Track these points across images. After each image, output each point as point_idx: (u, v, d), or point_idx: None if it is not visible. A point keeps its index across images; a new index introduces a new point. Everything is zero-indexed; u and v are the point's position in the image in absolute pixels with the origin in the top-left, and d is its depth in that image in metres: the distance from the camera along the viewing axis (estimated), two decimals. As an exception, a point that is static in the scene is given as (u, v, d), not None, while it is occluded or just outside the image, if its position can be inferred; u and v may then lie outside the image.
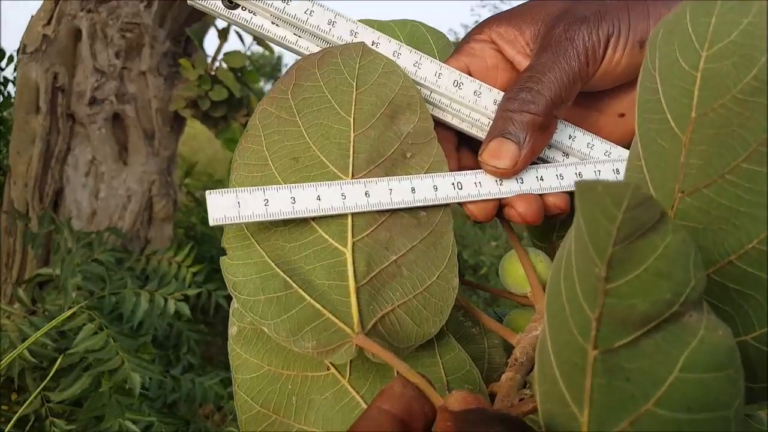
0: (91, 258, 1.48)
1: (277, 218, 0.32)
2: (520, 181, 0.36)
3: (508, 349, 0.35)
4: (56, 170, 1.71)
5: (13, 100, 1.95)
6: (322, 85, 0.34)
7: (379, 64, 0.35)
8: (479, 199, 0.36)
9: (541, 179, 0.37)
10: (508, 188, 0.36)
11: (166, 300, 1.46)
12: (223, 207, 0.31)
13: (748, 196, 0.24)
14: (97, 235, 1.57)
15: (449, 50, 0.42)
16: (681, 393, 0.19)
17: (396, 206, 0.33)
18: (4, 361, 1.22)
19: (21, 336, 1.27)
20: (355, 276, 0.32)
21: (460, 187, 0.35)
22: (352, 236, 0.32)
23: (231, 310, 0.33)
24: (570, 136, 0.39)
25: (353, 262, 0.32)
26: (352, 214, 0.33)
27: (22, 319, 1.32)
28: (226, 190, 0.32)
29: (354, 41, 0.35)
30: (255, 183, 0.33)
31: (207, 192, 0.31)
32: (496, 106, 0.37)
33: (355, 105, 0.34)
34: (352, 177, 0.33)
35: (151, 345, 1.48)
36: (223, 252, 0.33)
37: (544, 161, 0.39)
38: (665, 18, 0.27)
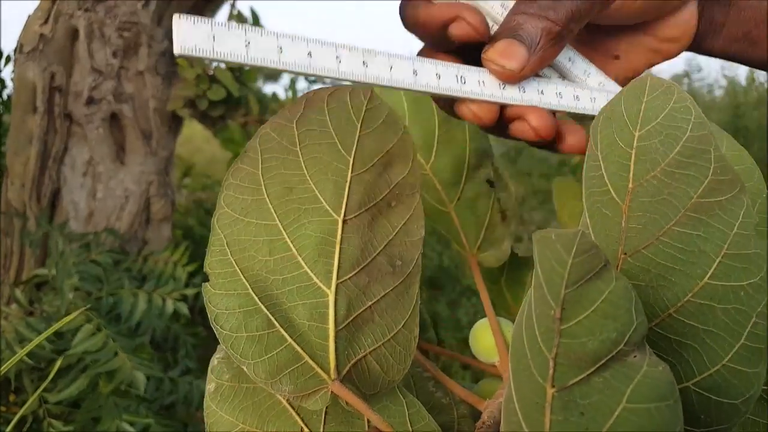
0: (88, 259, 1.47)
1: (259, 64, 0.30)
2: (522, 90, 0.36)
3: (477, 417, 0.37)
4: (53, 170, 1.71)
5: (4, 99, 1.95)
6: (328, 120, 0.34)
7: (383, 112, 0.35)
8: (482, 98, 0.35)
9: (542, 93, 0.37)
10: (510, 95, 0.36)
11: (164, 300, 1.46)
12: (195, 36, 0.29)
13: (681, 255, 0.28)
14: (94, 236, 1.57)
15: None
16: (628, 423, 0.22)
17: (395, 84, 0.33)
18: (4, 366, 1.21)
19: (18, 338, 1.27)
20: (335, 319, 0.32)
21: (463, 81, 0.35)
22: (337, 278, 0.32)
23: (210, 367, 0.33)
24: (570, 59, 0.38)
25: (335, 305, 0.32)
26: (340, 255, 0.33)
27: (19, 321, 1.32)
28: (199, 18, 0.29)
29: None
30: (245, 206, 0.33)
31: (175, 15, 0.28)
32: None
33: (356, 146, 0.34)
34: (344, 217, 0.33)
35: (148, 346, 1.48)
36: (206, 276, 0.32)
37: (540, 77, 0.38)
38: (603, 107, 0.31)
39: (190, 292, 1.51)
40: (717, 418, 0.27)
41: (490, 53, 0.35)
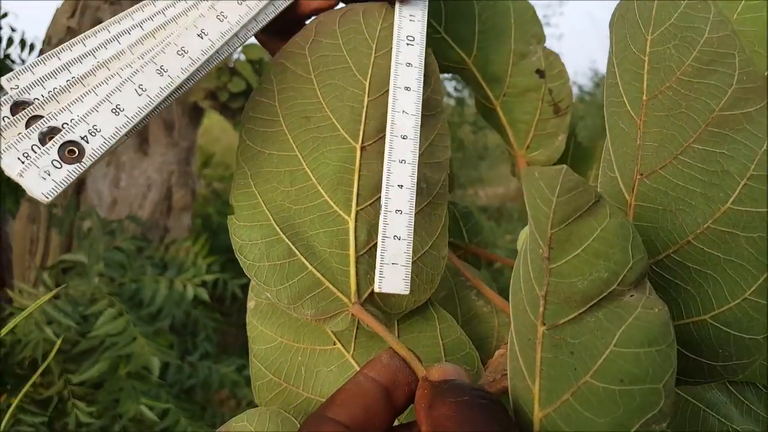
0: (112, 245, 1.52)
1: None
2: None
3: None
4: (79, 160, 1.75)
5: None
6: (341, 44, 0.33)
7: None
8: None
9: None
10: None
11: (185, 286, 1.50)
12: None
13: (701, 176, 0.25)
14: (118, 223, 1.62)
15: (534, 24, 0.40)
16: (615, 366, 0.21)
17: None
18: (28, 346, 1.26)
19: (47, 319, 1.32)
20: (356, 245, 0.32)
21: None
22: (357, 205, 0.32)
23: (250, 285, 0.34)
24: None
25: (355, 231, 0.32)
26: (359, 182, 0.33)
27: (46, 303, 1.37)
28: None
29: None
30: (265, 138, 0.33)
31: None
32: None
33: (372, 69, 0.33)
34: (362, 144, 0.33)
35: (168, 331, 1.52)
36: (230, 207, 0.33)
37: None
38: (621, 2, 0.28)
39: (209, 278, 1.55)
40: (737, 353, 0.25)
41: None
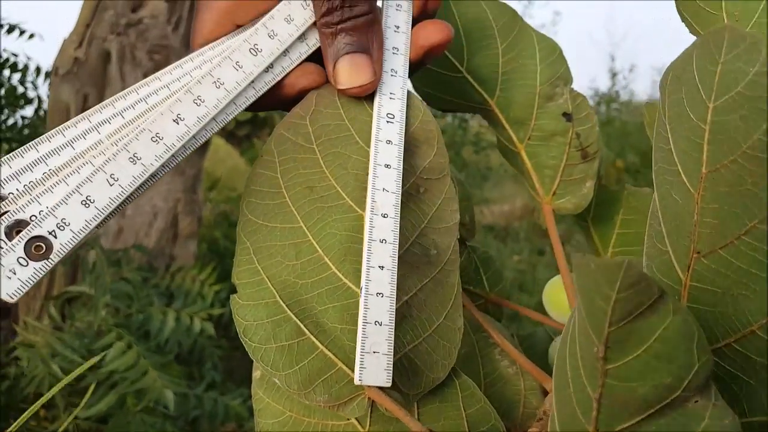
0: (119, 276, 1.51)
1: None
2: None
3: (545, 390, 0.34)
4: (85, 189, 1.75)
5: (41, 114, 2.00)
6: (342, 113, 0.33)
7: None
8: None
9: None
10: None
11: (192, 318, 1.49)
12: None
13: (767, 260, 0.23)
14: (123, 252, 1.61)
15: (515, 24, 0.39)
16: None
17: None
18: (27, 383, 1.24)
19: (51, 352, 1.30)
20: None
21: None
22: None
23: None
24: None
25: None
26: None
27: (50, 335, 1.35)
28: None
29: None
30: (267, 211, 0.32)
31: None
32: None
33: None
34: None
35: (175, 362, 1.51)
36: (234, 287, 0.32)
37: None
38: (673, 62, 0.26)
39: (216, 311, 1.54)
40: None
41: (340, 78, 0.32)
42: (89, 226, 0.27)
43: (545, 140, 0.40)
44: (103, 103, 0.31)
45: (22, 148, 0.29)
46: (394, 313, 0.30)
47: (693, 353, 0.19)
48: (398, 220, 0.31)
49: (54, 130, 0.29)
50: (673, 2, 0.35)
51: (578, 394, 0.21)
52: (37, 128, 2.06)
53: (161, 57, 1.78)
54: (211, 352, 1.62)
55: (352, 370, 0.30)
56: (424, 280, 0.32)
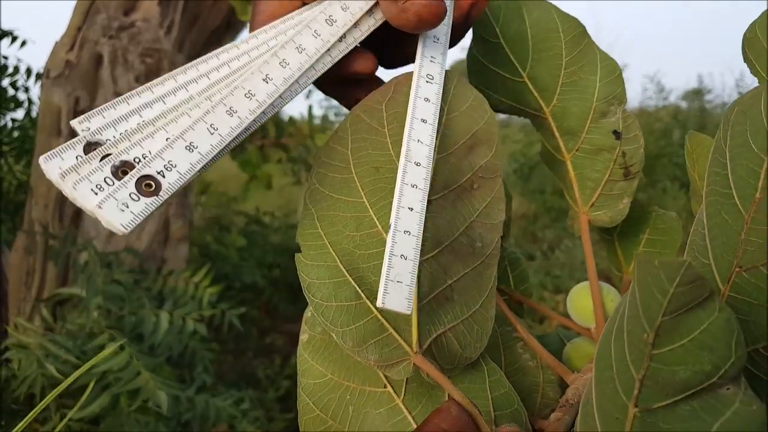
0: (111, 278, 1.51)
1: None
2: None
3: (564, 384, 0.36)
4: (77, 191, 1.75)
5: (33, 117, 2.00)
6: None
7: (470, 96, 0.37)
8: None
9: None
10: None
11: (184, 320, 1.49)
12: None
13: None
14: (115, 255, 1.61)
15: (582, 39, 0.41)
16: None
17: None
18: (23, 381, 1.24)
19: (45, 353, 1.30)
20: (419, 294, 0.33)
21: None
22: (421, 255, 0.33)
23: (304, 318, 0.35)
24: None
25: (418, 281, 0.33)
26: (423, 234, 0.33)
27: (43, 337, 1.35)
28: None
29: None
30: (334, 183, 0.34)
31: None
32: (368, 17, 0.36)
33: (442, 128, 0.36)
34: (428, 197, 0.34)
35: (165, 363, 1.51)
36: (294, 246, 0.34)
37: None
38: (741, 97, 0.29)
39: (208, 313, 1.54)
40: None
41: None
42: (194, 169, 0.30)
43: (592, 154, 0.41)
44: (185, 66, 0.33)
45: (112, 101, 0.31)
46: (419, 251, 0.32)
47: (731, 347, 0.22)
48: (430, 170, 0.34)
49: (141, 87, 0.32)
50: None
51: (621, 374, 0.23)
52: (27, 131, 2.06)
53: (153, 60, 1.79)
54: (203, 355, 1.62)
55: (402, 338, 0.32)
56: (467, 269, 0.34)
